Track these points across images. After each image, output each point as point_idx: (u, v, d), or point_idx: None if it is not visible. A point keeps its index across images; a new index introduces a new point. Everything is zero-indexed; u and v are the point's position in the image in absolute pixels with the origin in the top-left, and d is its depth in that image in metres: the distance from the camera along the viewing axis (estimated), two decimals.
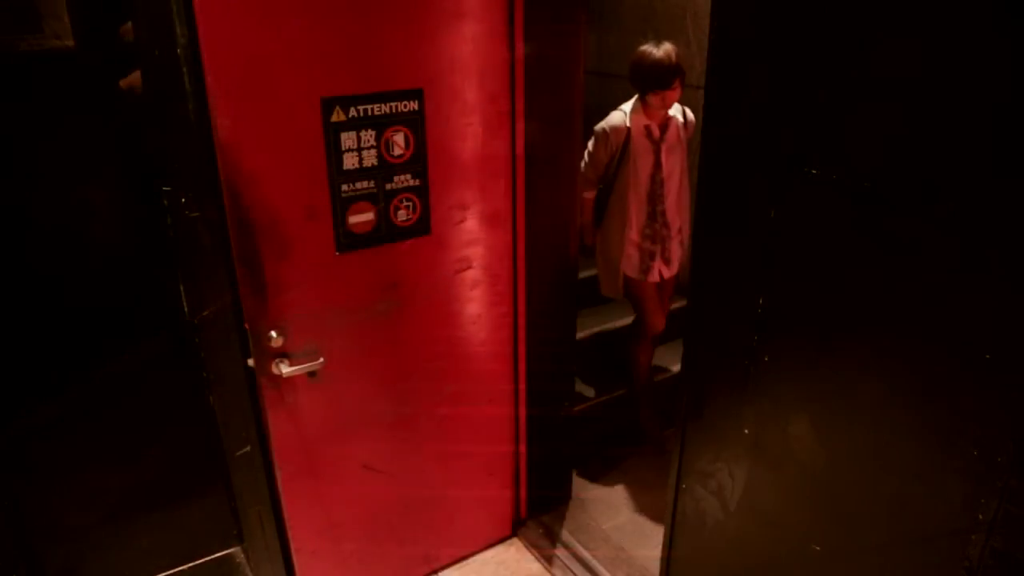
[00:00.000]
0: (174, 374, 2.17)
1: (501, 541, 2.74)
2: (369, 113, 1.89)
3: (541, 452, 2.66)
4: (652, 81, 2.66)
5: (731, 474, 1.57)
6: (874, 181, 1.15)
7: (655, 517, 2.86)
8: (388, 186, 1.99)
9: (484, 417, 2.49)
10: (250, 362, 1.93)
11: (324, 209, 1.90)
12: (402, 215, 2.04)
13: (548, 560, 2.65)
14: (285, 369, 1.93)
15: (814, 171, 1.23)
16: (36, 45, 1.82)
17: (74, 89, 1.90)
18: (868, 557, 1.32)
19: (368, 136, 1.91)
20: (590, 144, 2.84)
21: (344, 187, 1.92)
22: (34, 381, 2.01)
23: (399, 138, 1.97)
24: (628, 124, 2.78)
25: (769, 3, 1.26)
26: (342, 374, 2.09)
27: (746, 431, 1.51)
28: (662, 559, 1.87)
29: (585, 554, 2.64)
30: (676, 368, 3.41)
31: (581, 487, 3.03)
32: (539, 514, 2.80)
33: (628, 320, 3.29)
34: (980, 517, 1.10)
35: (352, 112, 1.86)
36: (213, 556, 2.34)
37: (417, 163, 2.02)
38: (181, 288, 1.94)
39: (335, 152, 1.87)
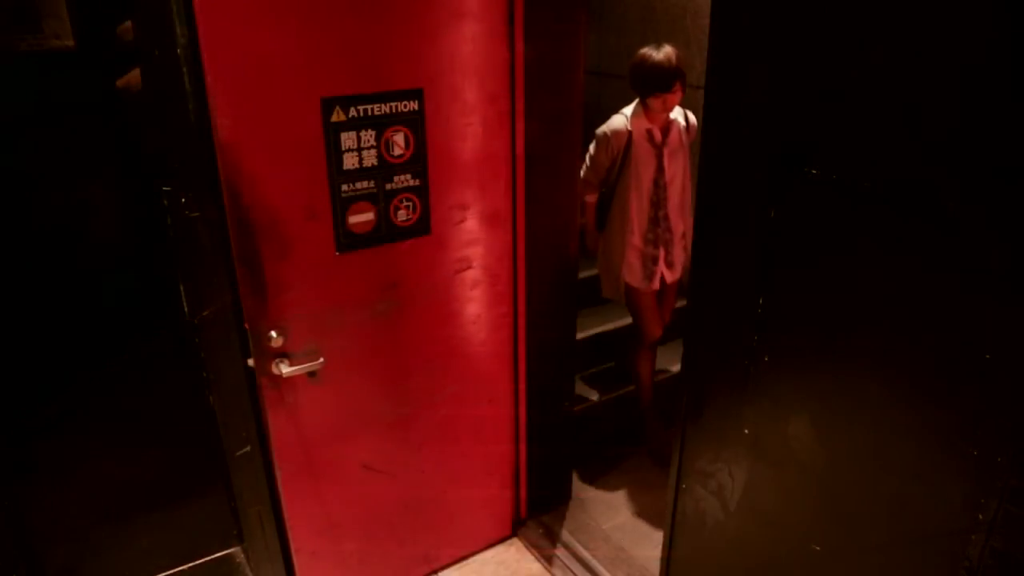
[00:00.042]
0: (174, 374, 2.17)
1: (501, 541, 2.74)
2: (369, 113, 1.89)
3: (541, 452, 2.66)
4: (653, 84, 2.63)
5: (731, 474, 1.57)
6: (874, 181, 1.15)
7: (655, 517, 2.86)
8: (388, 186, 1.99)
9: (484, 417, 2.49)
10: (250, 362, 1.93)
11: (324, 209, 1.90)
12: (402, 215, 2.04)
13: (548, 560, 2.65)
14: (285, 369, 1.93)
15: (814, 171, 1.23)
16: (36, 45, 1.83)
17: (74, 89, 1.90)
18: (868, 557, 1.32)
19: (368, 136, 1.91)
20: (591, 147, 2.82)
21: (344, 187, 1.92)
22: (34, 381, 2.01)
23: (399, 138, 1.97)
24: (629, 128, 2.75)
25: (769, 3, 1.26)
26: (342, 374, 2.09)
27: (746, 431, 1.51)
28: (662, 559, 1.87)
29: (585, 554, 2.64)
30: (676, 368, 3.41)
31: (581, 487, 3.03)
32: (539, 514, 2.80)
33: (628, 320, 3.28)
34: (980, 517, 1.10)
35: (352, 112, 1.86)
36: (213, 556, 2.35)
37: (417, 163, 2.02)
38: (181, 288, 1.94)
39: (335, 152, 1.87)
